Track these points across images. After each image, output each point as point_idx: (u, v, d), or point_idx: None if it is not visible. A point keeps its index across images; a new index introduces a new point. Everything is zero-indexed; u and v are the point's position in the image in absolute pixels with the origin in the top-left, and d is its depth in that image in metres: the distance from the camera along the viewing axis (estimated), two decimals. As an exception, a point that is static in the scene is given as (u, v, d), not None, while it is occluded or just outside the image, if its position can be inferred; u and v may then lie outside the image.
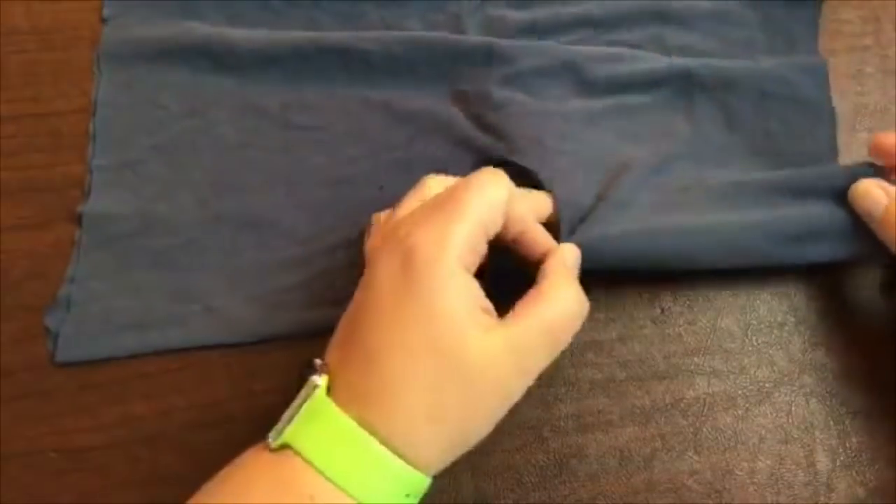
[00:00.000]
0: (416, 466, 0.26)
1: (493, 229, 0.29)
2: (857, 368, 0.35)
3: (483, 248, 0.29)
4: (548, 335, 0.28)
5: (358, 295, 0.29)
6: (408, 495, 0.27)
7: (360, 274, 0.29)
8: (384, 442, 0.26)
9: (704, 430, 0.35)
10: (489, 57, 0.39)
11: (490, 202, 0.29)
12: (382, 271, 0.28)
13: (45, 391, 0.35)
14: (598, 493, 0.34)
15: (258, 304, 0.36)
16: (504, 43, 0.39)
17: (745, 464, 0.34)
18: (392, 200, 0.33)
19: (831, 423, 0.35)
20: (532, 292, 0.29)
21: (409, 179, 0.34)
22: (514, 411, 0.35)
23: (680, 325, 0.36)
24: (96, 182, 0.38)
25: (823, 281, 0.37)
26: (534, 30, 0.41)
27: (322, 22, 0.42)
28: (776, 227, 0.34)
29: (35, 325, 0.36)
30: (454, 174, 0.33)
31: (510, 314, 0.28)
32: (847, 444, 0.34)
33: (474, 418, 0.28)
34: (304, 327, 0.35)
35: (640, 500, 0.34)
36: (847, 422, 0.35)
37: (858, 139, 0.40)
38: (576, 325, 0.29)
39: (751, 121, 0.39)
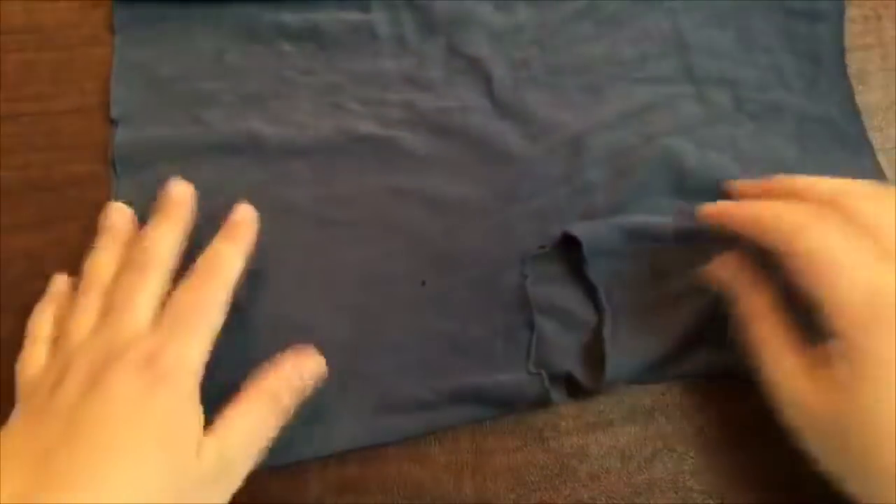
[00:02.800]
0: None
1: None
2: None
3: None
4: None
5: None
6: None
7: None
8: None
9: (706, 430, 0.35)
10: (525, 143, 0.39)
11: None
12: None
13: (44, 391, 0.35)
14: (600, 494, 0.34)
15: (300, 416, 0.32)
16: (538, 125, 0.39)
17: (748, 464, 0.34)
18: (435, 296, 0.33)
19: (833, 422, 0.35)
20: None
21: (452, 273, 0.34)
22: (516, 411, 0.34)
23: (681, 325, 0.36)
24: None
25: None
26: (562, 71, 0.40)
27: (341, 85, 0.40)
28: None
29: (35, 325, 0.35)
30: (495, 267, 0.35)
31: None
32: (849, 444, 0.34)
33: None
34: (351, 441, 0.34)
35: (642, 500, 0.34)
36: (849, 422, 0.35)
37: (860, 138, 0.40)
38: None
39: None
